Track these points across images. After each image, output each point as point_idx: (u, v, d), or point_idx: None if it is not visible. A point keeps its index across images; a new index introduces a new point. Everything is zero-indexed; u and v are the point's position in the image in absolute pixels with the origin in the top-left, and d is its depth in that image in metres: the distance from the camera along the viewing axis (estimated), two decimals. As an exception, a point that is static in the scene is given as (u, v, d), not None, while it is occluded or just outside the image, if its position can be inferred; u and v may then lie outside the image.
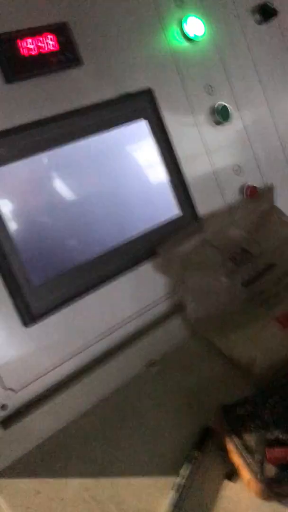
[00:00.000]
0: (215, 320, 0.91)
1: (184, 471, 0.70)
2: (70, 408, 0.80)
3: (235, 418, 0.72)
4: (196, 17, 1.01)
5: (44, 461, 0.74)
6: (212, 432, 0.75)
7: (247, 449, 0.68)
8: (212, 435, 0.75)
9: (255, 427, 0.70)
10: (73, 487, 0.71)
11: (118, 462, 0.73)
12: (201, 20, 1.02)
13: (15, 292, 0.76)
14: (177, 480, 0.69)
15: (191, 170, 0.99)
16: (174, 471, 0.70)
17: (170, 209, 0.95)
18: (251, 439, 0.69)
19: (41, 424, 0.77)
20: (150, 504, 0.68)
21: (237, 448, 0.68)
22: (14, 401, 0.77)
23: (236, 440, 0.70)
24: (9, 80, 0.78)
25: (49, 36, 0.81)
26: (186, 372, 0.87)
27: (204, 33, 1.03)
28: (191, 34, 1.01)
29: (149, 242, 0.91)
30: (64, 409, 0.80)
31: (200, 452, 0.72)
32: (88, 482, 0.71)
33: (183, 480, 0.69)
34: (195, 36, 1.02)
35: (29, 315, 0.77)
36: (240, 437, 0.70)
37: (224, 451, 0.71)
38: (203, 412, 0.78)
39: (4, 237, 0.75)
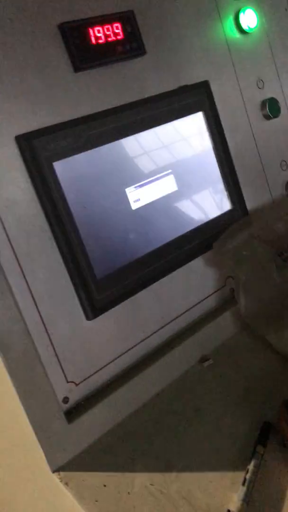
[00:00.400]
0: (268, 316, 0.91)
1: (252, 466, 0.70)
2: (129, 401, 0.80)
3: (303, 415, 0.73)
4: (252, 9, 1.00)
5: (108, 454, 0.74)
6: (273, 427, 0.75)
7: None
8: (273, 430, 0.75)
9: None
10: (139, 481, 0.71)
11: (181, 456, 0.74)
12: (255, 12, 1.01)
13: (80, 285, 0.75)
14: (247, 475, 0.69)
15: (241, 164, 0.99)
16: (237, 466, 0.71)
17: (222, 203, 0.95)
18: None
19: (102, 417, 0.77)
20: (218, 498, 0.69)
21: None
22: (75, 394, 0.77)
23: (303, 438, 0.70)
24: (77, 68, 0.76)
25: (116, 25, 0.79)
26: (239, 367, 0.87)
27: (256, 25, 1.02)
28: (244, 26, 1.00)
29: (202, 236, 0.91)
30: (124, 401, 0.80)
31: (264, 448, 0.73)
32: (154, 476, 0.72)
33: (252, 475, 0.69)
34: (248, 28, 1.01)
35: (92, 309, 0.76)
36: (307, 435, 0.70)
37: (286, 447, 0.72)
38: (260, 406, 0.79)
39: (72, 230, 0.74)
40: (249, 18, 0.99)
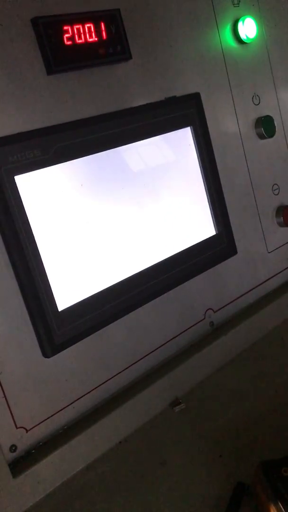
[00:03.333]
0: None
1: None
2: (87, 450, 0.71)
3: (280, 480, 0.64)
4: (252, 18, 0.91)
5: (57, 513, 0.65)
6: (248, 490, 0.67)
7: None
8: (246, 493, 0.67)
9: (302, 495, 0.62)
10: None
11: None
12: (255, 22, 0.92)
13: (38, 317, 0.66)
14: None
15: (230, 186, 0.90)
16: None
17: (206, 227, 0.86)
18: (298, 508, 0.61)
19: (54, 469, 0.68)
20: None
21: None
22: (24, 441, 0.67)
23: (281, 507, 0.62)
24: (50, 70, 0.67)
25: (99, 24, 0.70)
26: (214, 415, 0.78)
27: (256, 35, 0.93)
28: (243, 36, 0.92)
29: (181, 264, 0.82)
30: (80, 451, 0.70)
31: (235, 516, 0.64)
32: None
33: None
34: (247, 37, 0.92)
35: (50, 345, 0.67)
36: (286, 504, 0.62)
37: (262, 516, 0.63)
38: (233, 463, 0.70)
39: (32, 255, 0.65)
40: (248, 28, 0.91)
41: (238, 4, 0.91)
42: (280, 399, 0.78)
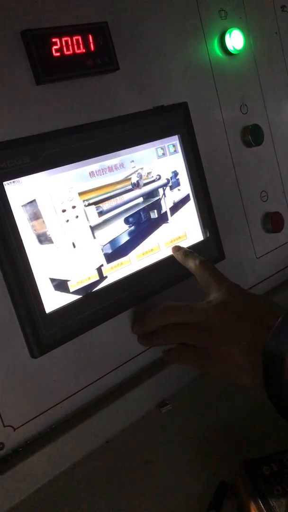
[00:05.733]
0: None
1: (201, 536, 0.63)
2: (74, 449, 0.73)
3: (261, 478, 0.65)
4: (239, 30, 0.94)
5: (42, 510, 0.67)
6: (230, 488, 0.68)
7: (273, 517, 0.61)
8: (229, 492, 0.68)
9: (283, 492, 0.63)
10: None
11: (124, 517, 0.66)
12: (242, 34, 0.95)
13: (25, 318, 0.68)
14: None
15: (218, 193, 0.92)
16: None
17: (194, 234, 0.88)
18: (279, 505, 0.62)
19: (39, 468, 0.69)
20: None
21: (261, 514, 0.61)
22: (12, 440, 0.69)
23: (261, 505, 0.63)
24: (39, 81, 0.69)
25: (87, 36, 0.73)
26: (200, 415, 0.80)
27: (243, 47, 0.96)
28: (230, 47, 0.94)
29: (169, 269, 0.84)
30: (67, 450, 0.72)
31: (217, 514, 0.65)
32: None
33: None
34: (234, 49, 0.95)
35: (38, 345, 0.69)
36: (265, 502, 0.63)
37: (243, 514, 0.65)
38: (218, 462, 0.71)
39: (20, 258, 0.67)
40: (236, 39, 0.93)
41: (226, 16, 0.94)
42: (265, 399, 0.79)
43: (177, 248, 0.83)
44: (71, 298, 0.73)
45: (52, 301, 0.71)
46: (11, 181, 0.67)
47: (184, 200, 0.86)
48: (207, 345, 0.69)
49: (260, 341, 0.64)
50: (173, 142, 0.85)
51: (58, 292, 0.72)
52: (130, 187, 0.79)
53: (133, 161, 0.79)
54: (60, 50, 0.71)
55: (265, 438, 0.73)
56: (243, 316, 0.68)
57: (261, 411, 0.77)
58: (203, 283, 0.76)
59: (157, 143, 0.83)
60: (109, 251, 0.77)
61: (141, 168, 0.81)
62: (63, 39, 0.71)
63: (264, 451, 0.68)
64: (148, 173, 0.81)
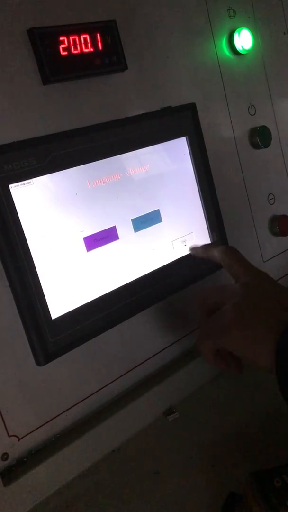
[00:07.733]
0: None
1: None
2: (80, 459, 0.71)
3: (272, 491, 0.64)
4: (248, 30, 0.92)
5: (48, 523, 0.65)
6: (240, 500, 0.66)
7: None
8: (239, 503, 0.66)
9: (295, 506, 0.62)
10: None
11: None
12: (251, 34, 0.93)
13: (31, 326, 0.66)
14: None
15: (225, 196, 0.91)
16: None
17: (202, 236, 0.86)
18: (290, 520, 0.61)
19: (46, 478, 0.68)
20: None
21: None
22: (16, 449, 0.67)
23: (272, 518, 0.61)
24: (46, 80, 0.67)
25: (95, 35, 0.71)
26: (206, 424, 0.78)
27: (251, 47, 0.94)
28: (238, 47, 0.92)
29: (176, 273, 0.82)
30: (73, 460, 0.70)
31: (227, 527, 0.64)
32: None
33: None
34: (242, 49, 0.93)
35: (44, 353, 0.67)
36: (277, 516, 0.61)
37: (253, 527, 0.63)
38: (226, 473, 0.70)
39: (26, 263, 0.65)
40: (244, 39, 0.92)
41: (234, 16, 0.92)
42: (274, 409, 0.78)
43: (195, 246, 0.82)
44: (78, 303, 0.71)
45: (58, 306, 0.69)
46: (17, 184, 0.65)
47: (191, 203, 0.85)
48: (235, 308, 0.64)
49: (282, 326, 0.61)
50: (181, 143, 0.83)
51: (64, 297, 0.70)
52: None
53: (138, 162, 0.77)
54: (67, 49, 0.68)
55: (275, 448, 0.71)
56: (270, 297, 0.66)
57: (271, 419, 0.76)
58: (230, 271, 0.74)
59: (165, 145, 0.81)
60: (116, 255, 0.75)
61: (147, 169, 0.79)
62: (71, 38, 0.69)
63: (273, 462, 0.67)
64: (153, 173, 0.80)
